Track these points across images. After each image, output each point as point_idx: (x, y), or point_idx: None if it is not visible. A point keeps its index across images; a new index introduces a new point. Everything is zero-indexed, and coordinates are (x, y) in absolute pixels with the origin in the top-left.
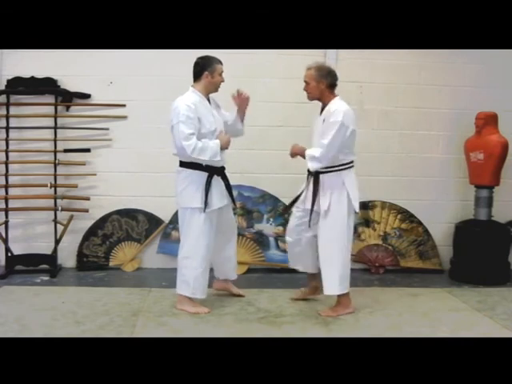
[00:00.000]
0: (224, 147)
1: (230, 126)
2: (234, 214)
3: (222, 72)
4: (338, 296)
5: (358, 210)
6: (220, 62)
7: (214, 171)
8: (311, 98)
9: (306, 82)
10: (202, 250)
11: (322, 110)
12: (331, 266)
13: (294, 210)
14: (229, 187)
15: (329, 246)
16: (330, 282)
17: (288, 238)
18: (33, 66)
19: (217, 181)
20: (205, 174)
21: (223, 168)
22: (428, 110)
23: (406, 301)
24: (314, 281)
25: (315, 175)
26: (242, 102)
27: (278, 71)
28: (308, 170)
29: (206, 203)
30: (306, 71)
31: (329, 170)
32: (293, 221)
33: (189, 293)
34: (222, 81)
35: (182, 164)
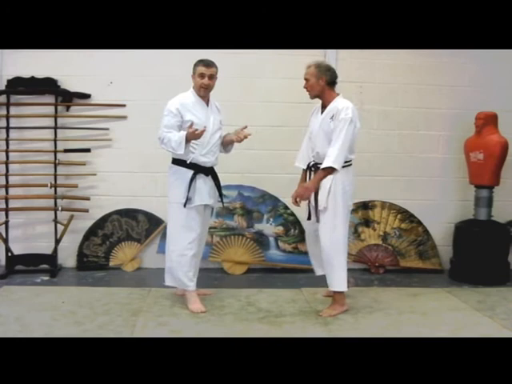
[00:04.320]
0: (189, 139)
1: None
2: (234, 213)
3: (202, 74)
4: (336, 294)
5: (351, 207)
6: (201, 64)
7: (200, 170)
8: (312, 95)
9: (306, 79)
10: (185, 243)
11: (323, 108)
12: (337, 263)
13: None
14: (218, 188)
15: (330, 243)
16: (338, 279)
17: (307, 240)
18: (33, 66)
19: (202, 179)
20: (190, 172)
21: (211, 168)
22: (428, 109)
23: (406, 301)
24: None
25: (315, 171)
26: (240, 139)
27: (277, 71)
28: (308, 168)
29: (187, 199)
30: (306, 69)
31: None
32: (307, 222)
33: (173, 283)
34: (203, 83)
35: (173, 160)
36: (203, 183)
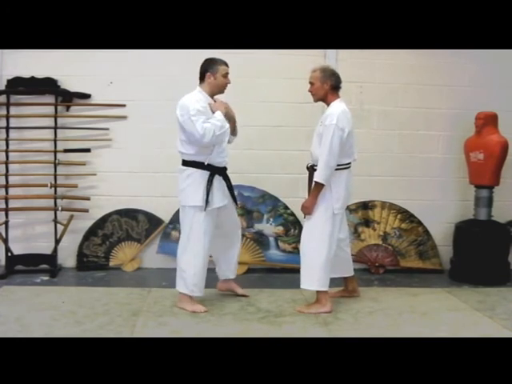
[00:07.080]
0: (224, 112)
1: None
2: None
3: (227, 73)
4: (317, 293)
5: (337, 211)
6: (225, 64)
7: (216, 171)
8: (316, 98)
9: (311, 83)
10: (201, 247)
11: None
12: (309, 261)
13: None
14: (230, 188)
15: (308, 242)
16: (308, 277)
17: None
18: (33, 66)
19: (218, 180)
20: (206, 173)
21: (225, 168)
22: (428, 109)
23: (406, 301)
24: (350, 284)
25: (311, 172)
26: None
27: (277, 71)
28: (307, 168)
29: (207, 202)
30: (312, 73)
31: None
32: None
33: (187, 290)
34: (228, 82)
35: (185, 163)
36: (219, 184)
